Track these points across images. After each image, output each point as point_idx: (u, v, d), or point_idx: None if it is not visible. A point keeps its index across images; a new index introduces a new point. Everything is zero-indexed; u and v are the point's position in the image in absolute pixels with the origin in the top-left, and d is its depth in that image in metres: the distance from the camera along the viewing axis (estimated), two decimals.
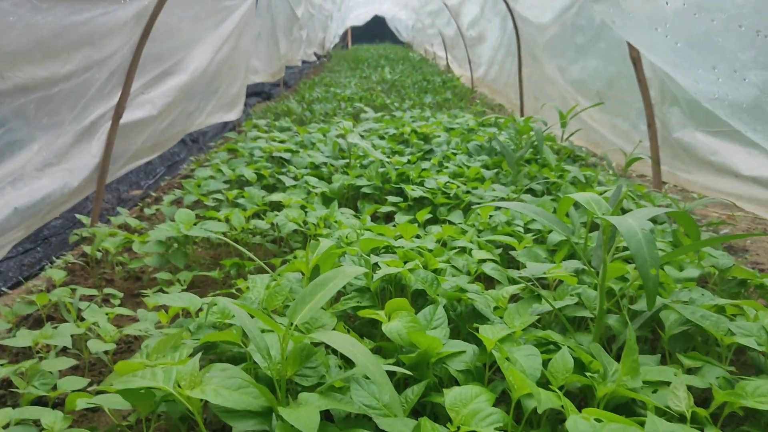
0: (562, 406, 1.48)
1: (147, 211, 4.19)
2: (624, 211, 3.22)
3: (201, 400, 1.55)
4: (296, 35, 12.06)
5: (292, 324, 1.56)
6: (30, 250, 4.37)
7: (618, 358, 2.00)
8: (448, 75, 13.11)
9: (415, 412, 1.79)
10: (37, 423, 1.89)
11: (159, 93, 5.01)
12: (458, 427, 1.45)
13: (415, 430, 1.44)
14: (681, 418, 1.52)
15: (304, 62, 15.81)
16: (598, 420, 1.36)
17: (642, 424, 1.39)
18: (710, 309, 2.04)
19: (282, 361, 1.61)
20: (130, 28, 3.86)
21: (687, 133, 4.34)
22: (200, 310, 2.31)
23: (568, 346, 1.76)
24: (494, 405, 1.56)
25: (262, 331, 1.79)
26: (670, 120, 4.51)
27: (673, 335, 1.97)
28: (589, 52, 5.65)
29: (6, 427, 1.79)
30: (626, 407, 1.65)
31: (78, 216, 4.10)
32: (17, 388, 2.07)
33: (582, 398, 1.85)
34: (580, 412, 1.45)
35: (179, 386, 1.55)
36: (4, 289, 3.60)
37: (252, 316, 1.64)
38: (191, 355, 1.84)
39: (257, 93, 11.68)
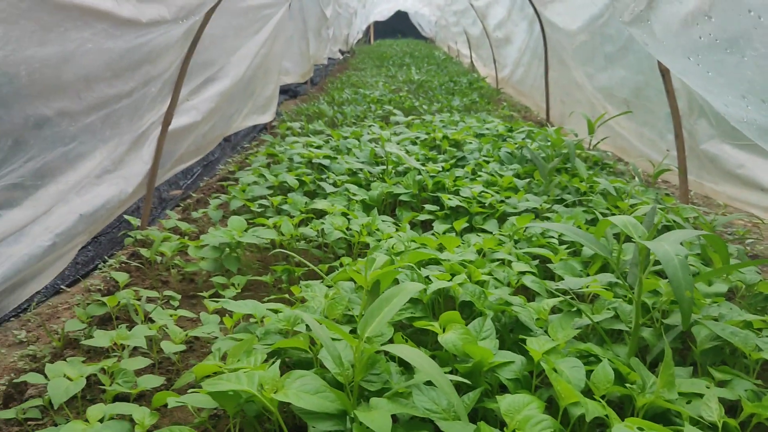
0: (606, 415, 1.66)
1: (194, 215, 4.41)
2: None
3: (280, 402, 1.76)
4: (324, 35, 12.26)
5: (363, 336, 1.76)
6: (83, 249, 4.62)
7: (652, 369, 2.18)
8: (474, 75, 13.24)
9: (470, 417, 1.98)
10: (125, 417, 2.11)
11: (202, 99, 5.24)
12: (513, 431, 1.64)
13: None
14: (713, 428, 1.70)
15: (329, 59, 16.01)
16: (640, 429, 1.54)
17: None
18: (738, 324, 2.20)
19: (352, 368, 1.81)
20: (181, 43, 4.07)
21: (714, 145, 4.47)
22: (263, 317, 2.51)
23: (608, 359, 1.94)
24: (542, 412, 1.75)
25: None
26: (698, 131, 4.63)
27: (704, 350, 2.14)
28: (618, 61, 5.78)
29: (101, 420, 2.01)
30: (663, 417, 1.83)
31: (127, 217, 4.34)
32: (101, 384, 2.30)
33: (620, 407, 2.03)
34: (621, 420, 1.63)
35: (262, 389, 1.76)
36: (63, 287, 3.83)
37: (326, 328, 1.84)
38: (265, 361, 2.04)
39: (284, 91, 11.90)
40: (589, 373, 1.89)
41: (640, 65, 5.33)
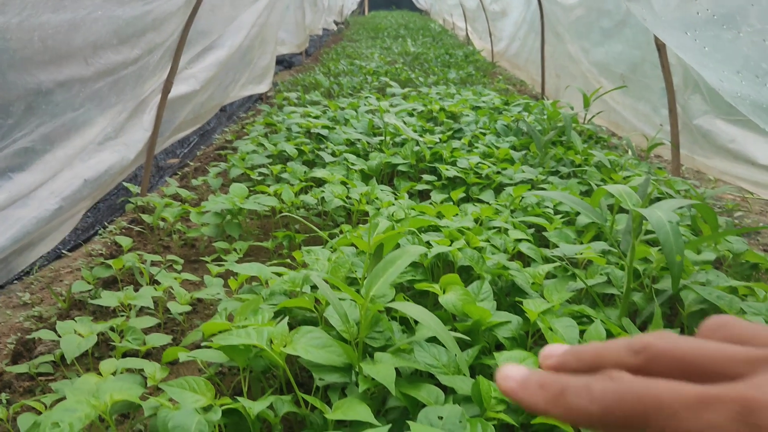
0: None
1: (194, 183, 4.47)
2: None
3: (288, 355, 1.84)
4: (320, 5, 12.20)
5: (369, 295, 1.84)
6: (82, 215, 4.68)
7: (641, 330, 2.27)
8: (469, 48, 13.22)
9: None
10: (135, 372, 2.19)
11: (201, 68, 5.26)
12: None
13: (474, 386, 1.72)
14: None
15: (324, 30, 15.92)
16: None
17: None
18: (724, 290, 2.30)
19: (357, 326, 1.89)
20: (183, 10, 4.09)
21: (707, 120, 4.55)
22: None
23: (600, 319, 2.03)
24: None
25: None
26: (691, 106, 4.71)
27: (691, 312, 2.24)
28: (614, 36, 5.83)
29: (113, 374, 2.09)
30: None
31: (126, 184, 4.39)
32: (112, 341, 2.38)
33: None
34: None
35: (271, 344, 1.84)
36: (64, 251, 3.90)
37: (332, 287, 1.92)
38: (273, 319, 2.12)
39: (279, 62, 11.86)
40: (582, 332, 1.99)
41: (636, 40, 5.38)
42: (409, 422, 1.52)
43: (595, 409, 0.31)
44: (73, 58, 2.55)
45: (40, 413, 1.95)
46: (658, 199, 3.47)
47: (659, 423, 0.28)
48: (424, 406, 1.67)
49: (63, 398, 1.91)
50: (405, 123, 5.28)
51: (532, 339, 2.10)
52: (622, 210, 3.19)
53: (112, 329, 2.48)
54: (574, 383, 0.33)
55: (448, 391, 1.80)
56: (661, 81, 4.90)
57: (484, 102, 6.36)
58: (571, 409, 0.32)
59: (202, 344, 2.10)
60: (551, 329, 1.93)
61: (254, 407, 1.64)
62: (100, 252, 3.77)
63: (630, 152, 4.66)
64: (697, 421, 0.28)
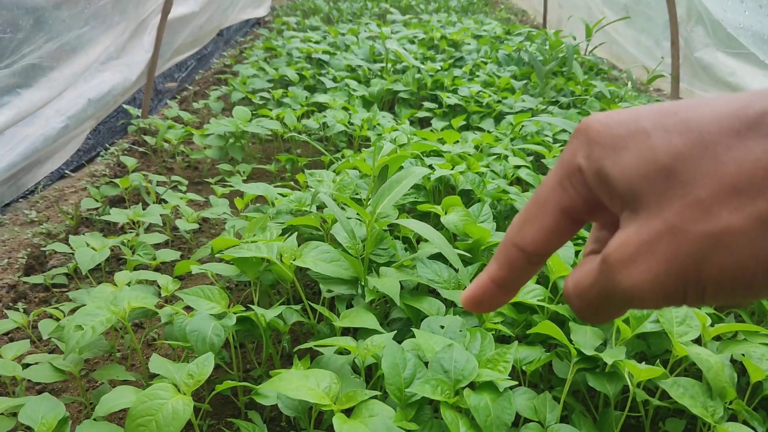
0: None
1: (195, 106, 4.47)
2: None
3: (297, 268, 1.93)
4: None
5: (375, 213, 1.92)
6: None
7: None
8: None
9: None
10: (148, 283, 2.28)
11: None
12: None
13: None
14: None
15: None
16: None
17: None
18: None
19: (362, 243, 1.98)
20: None
21: (708, 53, 4.55)
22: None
23: None
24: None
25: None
26: (694, 39, 4.70)
27: None
28: None
29: (128, 285, 2.18)
30: None
31: (126, 106, 4.40)
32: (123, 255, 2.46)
33: None
34: None
35: (281, 257, 1.93)
36: (67, 171, 3.94)
37: (341, 205, 2.00)
38: (281, 235, 2.20)
39: None
40: (577, 253, 2.08)
41: None
42: (414, 329, 1.62)
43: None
44: None
45: (58, 320, 2.05)
46: None
47: (538, 194, 0.40)
48: (425, 318, 1.77)
49: (81, 306, 2.00)
50: (406, 50, 5.25)
51: None
52: None
53: (123, 244, 2.56)
54: None
55: (448, 304, 1.90)
56: (664, 13, 4.87)
57: (485, 31, 6.29)
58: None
59: (212, 261, 2.19)
60: None
61: (267, 314, 1.73)
62: (104, 173, 3.81)
63: (630, 84, 4.67)
64: (553, 172, 0.39)
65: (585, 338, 1.66)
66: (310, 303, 1.90)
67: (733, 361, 1.63)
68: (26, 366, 1.72)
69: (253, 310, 1.76)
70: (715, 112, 0.33)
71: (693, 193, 0.31)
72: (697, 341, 1.66)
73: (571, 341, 1.63)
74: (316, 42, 5.49)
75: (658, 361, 1.70)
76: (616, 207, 0.36)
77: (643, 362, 1.69)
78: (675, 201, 0.32)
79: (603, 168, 0.35)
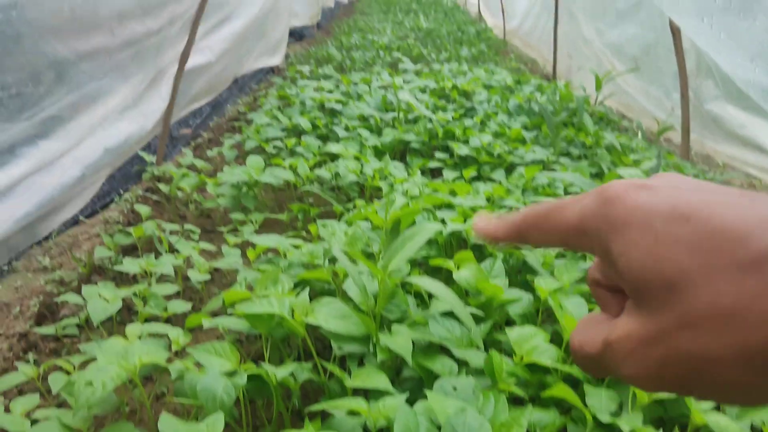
0: None
1: (209, 153, 4.53)
2: None
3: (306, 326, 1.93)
4: None
5: (387, 269, 1.92)
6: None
7: None
8: (481, 25, 13.15)
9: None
10: (159, 336, 2.28)
11: (217, 39, 5.30)
12: (521, 358, 1.82)
13: (487, 359, 1.80)
14: None
15: (336, 2, 15.83)
16: None
17: None
18: None
19: (374, 298, 1.97)
20: None
21: (718, 105, 4.58)
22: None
23: None
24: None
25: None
26: (703, 91, 4.74)
27: None
28: (629, 18, 5.82)
29: (139, 338, 2.18)
30: None
31: (141, 153, 4.45)
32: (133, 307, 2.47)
33: None
34: None
35: (293, 313, 1.92)
36: (81, 218, 3.98)
37: (351, 260, 2.00)
38: (292, 290, 2.20)
39: (291, 34, 11.80)
40: (590, 311, 2.06)
41: (651, 23, 5.39)
42: (426, 391, 1.60)
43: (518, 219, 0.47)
44: (99, 28, 2.61)
45: (68, 373, 2.05)
46: None
47: (555, 215, 0.43)
48: (437, 377, 1.75)
49: (91, 359, 1.99)
50: (417, 100, 5.32)
51: (540, 316, 2.18)
52: None
53: (135, 295, 2.57)
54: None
55: (461, 363, 1.88)
56: (673, 65, 4.92)
57: (496, 81, 6.38)
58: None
59: (223, 312, 2.18)
60: (561, 307, 2.00)
61: (278, 373, 1.72)
62: (117, 220, 3.84)
63: (640, 135, 4.70)
64: (576, 205, 0.41)
65: (600, 402, 1.63)
66: (322, 363, 1.88)
67: (753, 429, 1.59)
68: (35, 422, 1.71)
69: (264, 368, 1.75)
70: (725, 232, 0.34)
71: (690, 314, 0.34)
72: (717, 407, 1.63)
73: (585, 404, 1.61)
74: (329, 91, 5.58)
75: (676, 427, 1.67)
76: (622, 284, 0.39)
77: (661, 429, 1.66)
78: (675, 312, 0.34)
79: (610, 251, 0.38)
